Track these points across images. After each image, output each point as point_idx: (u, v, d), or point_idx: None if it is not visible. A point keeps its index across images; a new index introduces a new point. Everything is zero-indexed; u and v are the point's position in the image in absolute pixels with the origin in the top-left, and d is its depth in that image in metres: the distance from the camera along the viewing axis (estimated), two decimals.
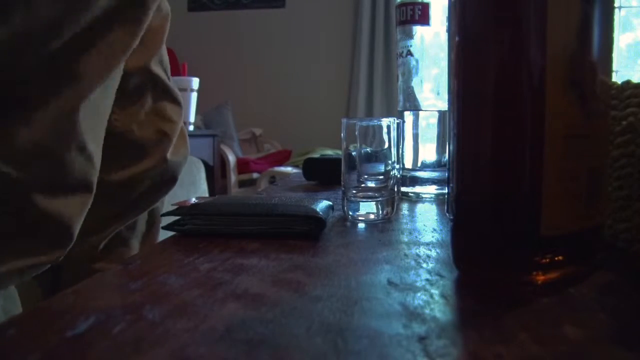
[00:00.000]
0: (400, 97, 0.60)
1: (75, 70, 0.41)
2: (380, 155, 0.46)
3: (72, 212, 0.44)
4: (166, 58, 0.60)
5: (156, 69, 0.58)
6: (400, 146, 0.58)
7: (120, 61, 0.45)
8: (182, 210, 0.42)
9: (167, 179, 0.59)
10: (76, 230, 0.45)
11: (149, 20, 0.48)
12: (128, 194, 0.54)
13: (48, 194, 0.42)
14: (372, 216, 0.45)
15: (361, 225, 0.44)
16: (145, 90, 0.57)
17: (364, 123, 0.46)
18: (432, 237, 0.39)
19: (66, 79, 0.41)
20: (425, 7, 0.56)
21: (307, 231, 0.39)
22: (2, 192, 0.40)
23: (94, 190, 0.47)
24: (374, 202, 0.45)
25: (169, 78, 0.60)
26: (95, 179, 0.47)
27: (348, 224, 0.45)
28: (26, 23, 0.37)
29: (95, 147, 0.46)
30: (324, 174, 0.73)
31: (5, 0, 0.36)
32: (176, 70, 2.22)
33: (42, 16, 0.38)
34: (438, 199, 0.57)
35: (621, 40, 2.84)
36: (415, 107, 0.59)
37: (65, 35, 0.39)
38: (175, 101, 0.61)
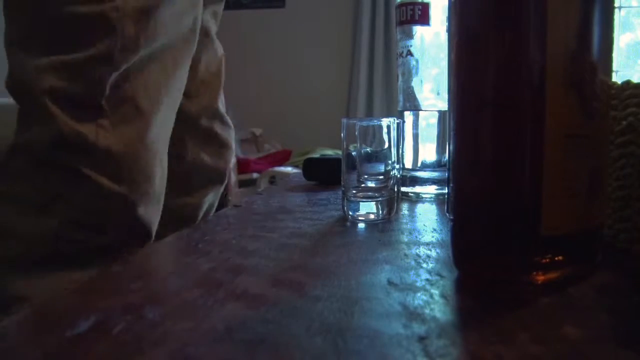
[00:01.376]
0: (400, 97, 0.60)
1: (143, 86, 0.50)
2: (380, 155, 0.46)
3: (155, 219, 0.53)
4: (222, 93, 0.73)
5: (220, 106, 0.71)
6: (400, 146, 0.58)
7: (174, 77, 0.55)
8: None
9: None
10: (154, 234, 0.53)
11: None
12: (191, 219, 0.63)
13: (143, 205, 0.49)
14: (372, 216, 0.45)
15: (361, 225, 0.44)
16: (214, 127, 0.70)
17: (364, 123, 0.46)
18: (432, 237, 0.39)
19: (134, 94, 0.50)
20: (425, 7, 0.56)
21: None
22: (113, 210, 0.48)
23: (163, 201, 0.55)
24: (374, 202, 0.45)
25: (224, 107, 0.73)
26: (164, 190, 0.55)
27: (348, 224, 0.45)
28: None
29: (165, 159, 0.55)
30: (324, 174, 0.73)
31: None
32: None
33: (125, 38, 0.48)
34: (438, 199, 0.57)
35: (621, 40, 2.84)
36: (415, 107, 0.59)
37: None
38: (228, 124, 0.74)
